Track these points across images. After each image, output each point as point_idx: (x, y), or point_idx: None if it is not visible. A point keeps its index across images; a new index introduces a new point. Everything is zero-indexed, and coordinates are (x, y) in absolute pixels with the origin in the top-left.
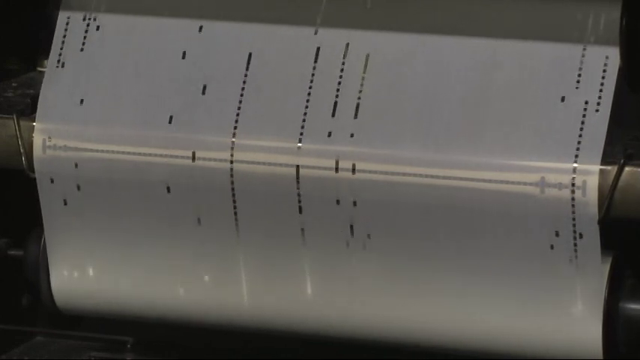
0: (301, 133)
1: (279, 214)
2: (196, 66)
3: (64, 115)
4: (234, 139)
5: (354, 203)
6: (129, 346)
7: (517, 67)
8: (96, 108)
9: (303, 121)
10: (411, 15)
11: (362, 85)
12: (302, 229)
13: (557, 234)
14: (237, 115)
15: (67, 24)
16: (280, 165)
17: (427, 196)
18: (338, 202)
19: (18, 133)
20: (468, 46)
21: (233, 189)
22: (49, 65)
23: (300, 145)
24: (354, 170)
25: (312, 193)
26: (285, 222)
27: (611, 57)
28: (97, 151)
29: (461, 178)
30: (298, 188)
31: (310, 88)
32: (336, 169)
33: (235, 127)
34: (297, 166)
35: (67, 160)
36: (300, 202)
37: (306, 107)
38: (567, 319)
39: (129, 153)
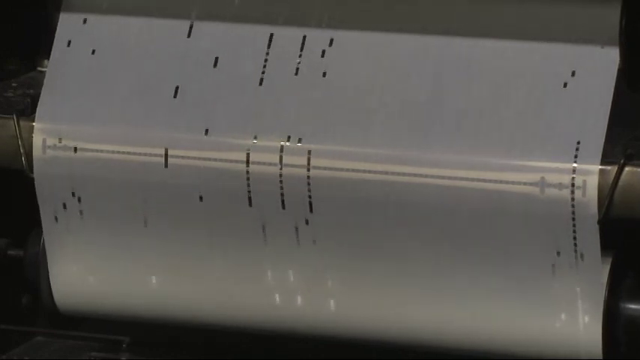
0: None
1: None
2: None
3: (63, 115)
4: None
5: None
6: (124, 345)
7: (516, 67)
8: (96, 108)
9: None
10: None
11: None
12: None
13: (556, 234)
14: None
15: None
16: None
17: (426, 196)
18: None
19: (18, 133)
20: (466, 46)
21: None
22: None
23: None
24: (353, 170)
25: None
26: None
27: (609, 57)
28: (97, 151)
29: (461, 178)
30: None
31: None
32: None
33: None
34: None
35: (66, 160)
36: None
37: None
38: (567, 319)
39: (129, 153)
